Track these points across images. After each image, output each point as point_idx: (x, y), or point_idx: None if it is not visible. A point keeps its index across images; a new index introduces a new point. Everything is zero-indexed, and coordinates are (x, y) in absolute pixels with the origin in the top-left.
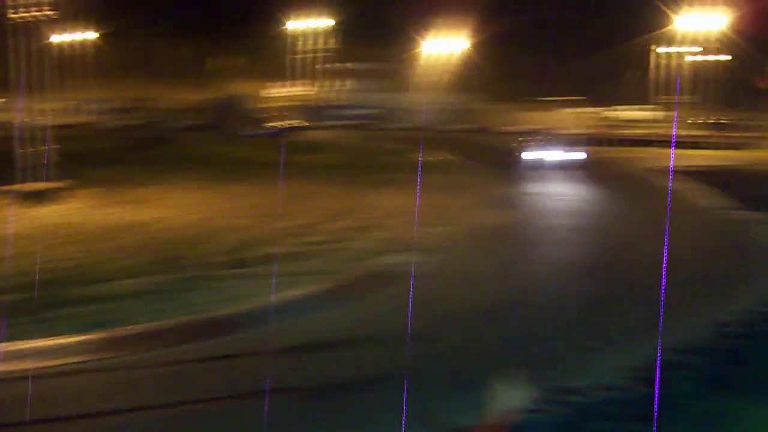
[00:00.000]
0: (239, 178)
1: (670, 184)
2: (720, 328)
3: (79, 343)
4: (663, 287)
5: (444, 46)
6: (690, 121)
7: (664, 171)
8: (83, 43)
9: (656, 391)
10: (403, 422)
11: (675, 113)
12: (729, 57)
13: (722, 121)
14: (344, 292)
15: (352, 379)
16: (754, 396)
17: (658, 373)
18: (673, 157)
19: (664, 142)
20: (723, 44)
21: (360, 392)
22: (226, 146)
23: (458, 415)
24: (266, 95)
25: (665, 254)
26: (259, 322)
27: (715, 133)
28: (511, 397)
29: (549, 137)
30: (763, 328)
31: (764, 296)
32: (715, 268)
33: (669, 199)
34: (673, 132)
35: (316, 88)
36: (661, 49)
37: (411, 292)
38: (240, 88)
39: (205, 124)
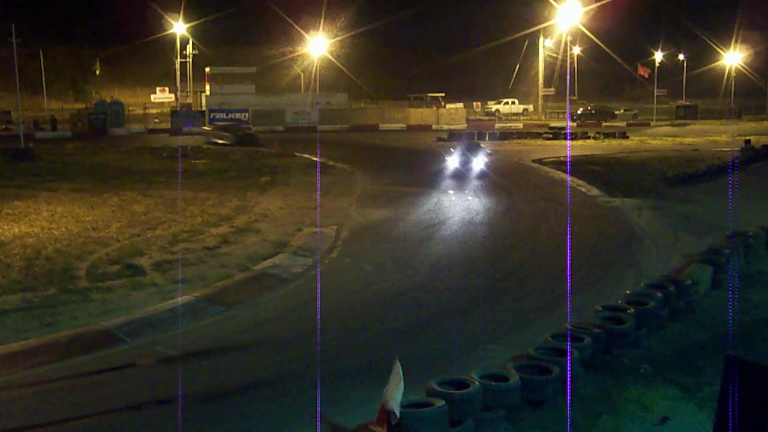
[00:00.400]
0: (121, 187)
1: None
2: (601, 312)
3: None
4: (569, 273)
5: (321, 46)
6: (579, 112)
7: (546, 163)
8: None
9: (568, 373)
10: (317, 421)
11: (568, 105)
12: (608, 49)
13: (601, 112)
14: (230, 296)
15: (244, 384)
16: (633, 376)
17: (569, 357)
18: (567, 148)
19: (545, 134)
20: (603, 37)
21: (253, 395)
22: (106, 155)
23: (349, 413)
24: (145, 102)
25: (568, 242)
26: (146, 332)
27: (592, 123)
28: (397, 393)
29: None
30: (639, 311)
31: (636, 282)
32: (594, 255)
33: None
34: (568, 124)
35: (188, 94)
36: (543, 44)
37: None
38: (117, 95)
39: (82, 133)
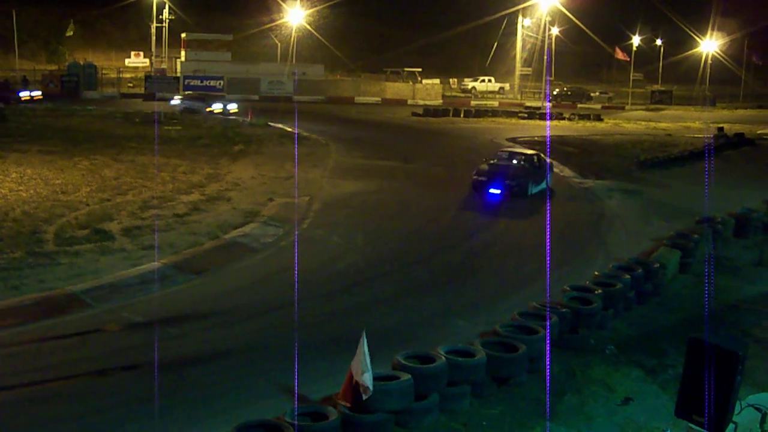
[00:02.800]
0: (92, 151)
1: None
2: (569, 292)
3: None
4: (548, 250)
5: (299, 16)
6: (554, 92)
7: (520, 142)
8: None
9: (548, 351)
10: (295, 390)
11: (546, 86)
12: (588, 31)
13: (576, 93)
14: (199, 264)
15: (211, 352)
16: (598, 357)
17: (548, 335)
18: (541, 128)
19: (520, 113)
20: (582, 18)
21: (220, 364)
22: (78, 118)
23: (315, 384)
24: (119, 66)
25: (543, 222)
26: (113, 297)
27: (568, 104)
28: (365, 367)
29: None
30: (606, 293)
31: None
32: (565, 235)
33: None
34: (547, 105)
35: (163, 59)
36: (522, 23)
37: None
38: (91, 58)
39: (53, 95)
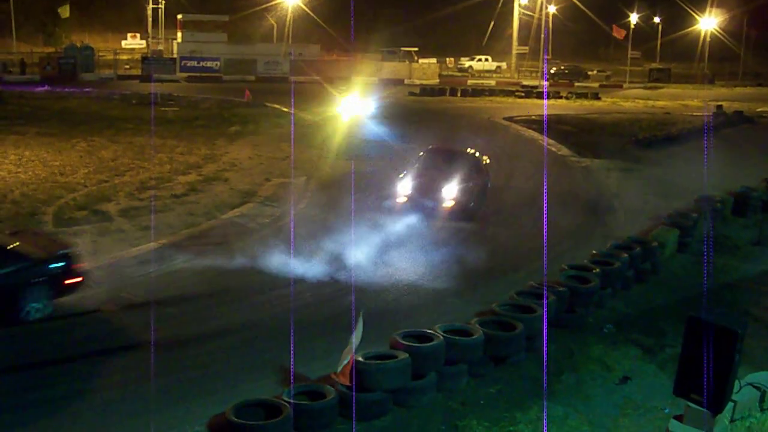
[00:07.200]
0: (89, 133)
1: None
2: (566, 271)
3: None
4: (545, 229)
5: None
6: (552, 71)
7: (517, 121)
8: None
9: (545, 330)
10: (292, 369)
11: (544, 64)
12: (585, 9)
13: (574, 72)
14: (197, 244)
15: (209, 332)
16: (596, 336)
17: (545, 315)
18: (538, 107)
19: (517, 92)
20: None
21: (218, 343)
22: (75, 100)
23: (313, 363)
24: (115, 47)
25: (545, 202)
26: (112, 278)
27: (565, 83)
28: (358, 346)
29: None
30: (604, 271)
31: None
32: (562, 214)
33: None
34: (545, 84)
35: (159, 41)
36: (518, 1)
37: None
38: (88, 40)
39: (51, 77)
